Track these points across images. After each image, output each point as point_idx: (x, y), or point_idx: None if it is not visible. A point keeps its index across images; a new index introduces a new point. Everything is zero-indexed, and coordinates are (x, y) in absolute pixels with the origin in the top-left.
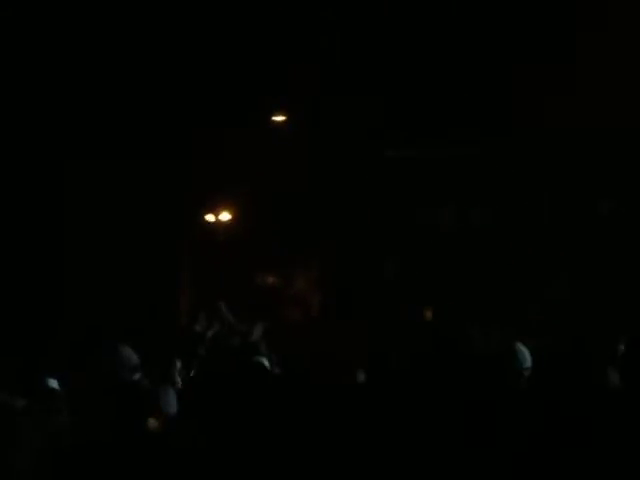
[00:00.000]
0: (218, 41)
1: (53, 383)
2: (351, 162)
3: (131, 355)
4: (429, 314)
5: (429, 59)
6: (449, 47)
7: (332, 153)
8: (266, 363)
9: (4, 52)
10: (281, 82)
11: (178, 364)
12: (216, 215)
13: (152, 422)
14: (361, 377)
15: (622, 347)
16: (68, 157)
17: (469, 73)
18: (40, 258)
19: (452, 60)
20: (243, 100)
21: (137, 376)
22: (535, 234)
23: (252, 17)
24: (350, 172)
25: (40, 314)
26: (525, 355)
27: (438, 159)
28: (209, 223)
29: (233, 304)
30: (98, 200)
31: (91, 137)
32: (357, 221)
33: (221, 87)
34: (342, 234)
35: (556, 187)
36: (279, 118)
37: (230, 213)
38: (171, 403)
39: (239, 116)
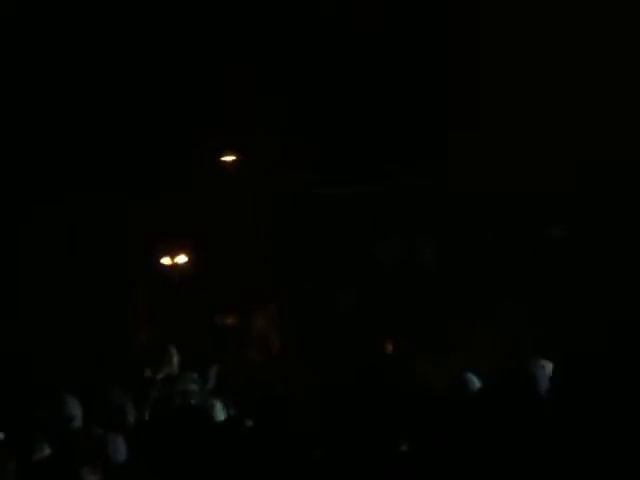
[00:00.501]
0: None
1: None
2: (285, 200)
3: (71, 405)
4: (390, 347)
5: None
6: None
7: (270, 191)
8: (219, 406)
9: None
10: (223, 121)
11: (130, 409)
12: (172, 258)
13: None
14: None
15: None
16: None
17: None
18: None
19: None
20: (190, 139)
21: (75, 425)
22: (481, 262)
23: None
24: (287, 210)
25: None
26: (474, 383)
27: (368, 194)
28: (165, 266)
29: (191, 346)
30: (51, 244)
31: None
32: (306, 258)
33: (171, 128)
34: (293, 272)
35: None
36: (227, 158)
37: (186, 255)
38: (120, 450)
39: (189, 156)
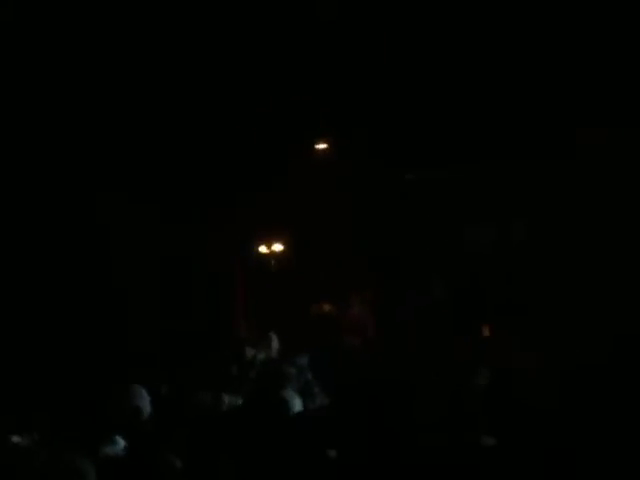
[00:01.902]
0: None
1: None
2: (382, 187)
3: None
4: (486, 330)
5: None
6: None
7: (372, 179)
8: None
9: None
10: (320, 114)
11: (225, 398)
12: (268, 246)
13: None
14: None
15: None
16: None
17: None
18: (90, 294)
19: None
20: (287, 132)
21: (144, 416)
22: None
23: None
24: (385, 197)
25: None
26: None
27: (462, 177)
28: (262, 254)
29: (289, 334)
30: (147, 232)
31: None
32: (400, 244)
33: (265, 117)
34: (388, 258)
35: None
36: (322, 146)
37: (282, 244)
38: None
39: (284, 146)
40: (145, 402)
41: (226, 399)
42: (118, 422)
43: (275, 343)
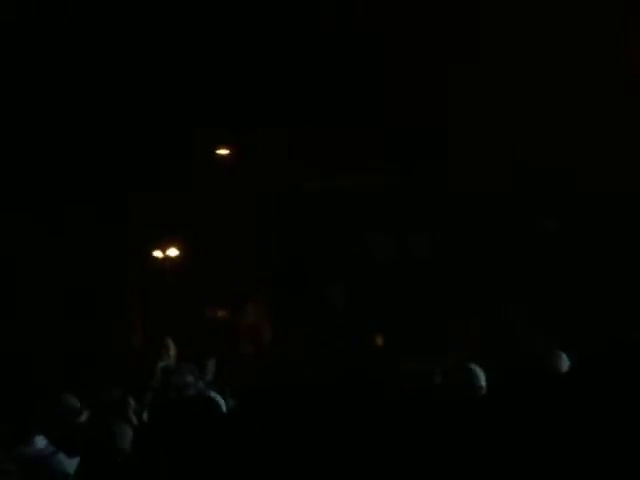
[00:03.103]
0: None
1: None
2: (281, 196)
3: (72, 401)
4: (380, 340)
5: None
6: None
7: (262, 186)
8: (218, 398)
9: None
10: (223, 116)
11: (131, 401)
12: (163, 251)
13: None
14: None
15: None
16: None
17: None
18: None
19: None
20: (186, 134)
21: (82, 418)
22: (479, 258)
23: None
24: (284, 205)
25: None
26: (478, 374)
27: (358, 189)
28: (157, 259)
29: (184, 339)
30: (44, 239)
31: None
32: (297, 251)
33: (165, 121)
34: (283, 265)
35: (496, 209)
36: (222, 151)
37: (177, 248)
38: (126, 440)
39: (184, 149)
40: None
41: (132, 402)
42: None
43: (172, 350)
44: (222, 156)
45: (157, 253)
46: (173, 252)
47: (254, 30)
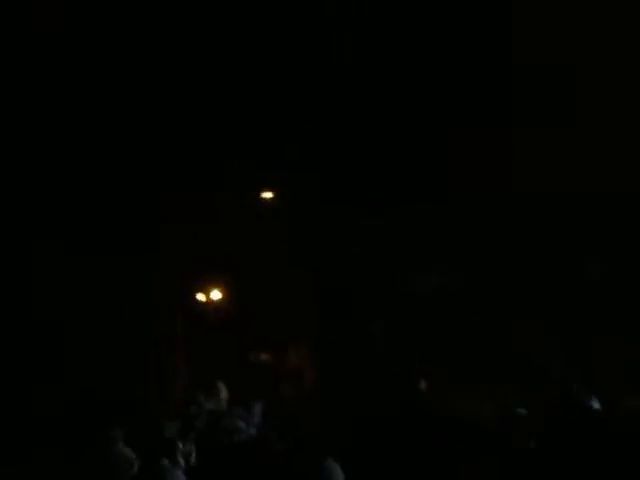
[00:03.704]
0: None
1: None
2: (327, 233)
3: (125, 451)
4: (423, 384)
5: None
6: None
7: (308, 226)
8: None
9: None
10: (264, 159)
11: (180, 445)
12: (207, 294)
13: None
14: None
15: None
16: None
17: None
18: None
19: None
20: (229, 180)
21: (133, 470)
22: (518, 296)
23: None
24: (328, 243)
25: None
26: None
27: (403, 225)
28: (200, 303)
29: (230, 383)
30: (85, 289)
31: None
32: (339, 291)
33: (207, 168)
34: (327, 305)
35: (536, 248)
36: (265, 195)
37: (220, 292)
38: None
39: (227, 194)
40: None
41: (180, 445)
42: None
43: (224, 393)
44: (265, 198)
45: (200, 296)
46: (216, 295)
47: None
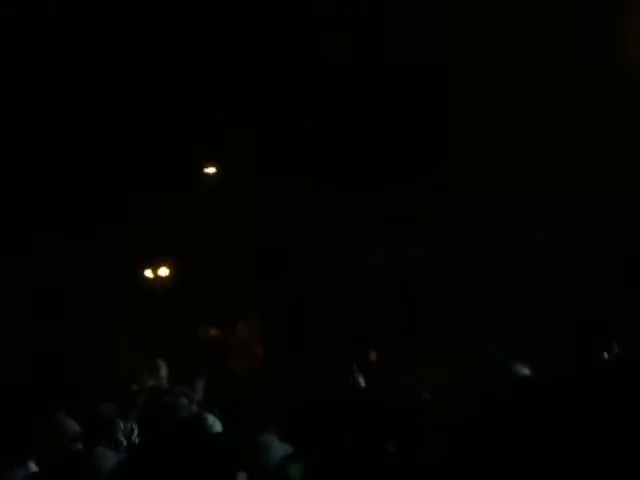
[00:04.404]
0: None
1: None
2: (273, 211)
3: (71, 425)
4: (374, 356)
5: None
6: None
7: (254, 203)
8: (211, 418)
9: None
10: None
11: (121, 424)
12: (154, 271)
13: None
14: None
15: None
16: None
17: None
18: None
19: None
20: (173, 150)
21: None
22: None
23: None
24: (274, 220)
25: None
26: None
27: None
28: (148, 279)
29: (176, 358)
30: (33, 262)
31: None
32: (292, 268)
33: (156, 149)
34: (280, 282)
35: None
36: (210, 170)
37: (167, 268)
38: (109, 464)
39: (174, 170)
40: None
41: (120, 424)
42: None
43: (163, 370)
44: (210, 174)
45: (148, 273)
46: (164, 272)
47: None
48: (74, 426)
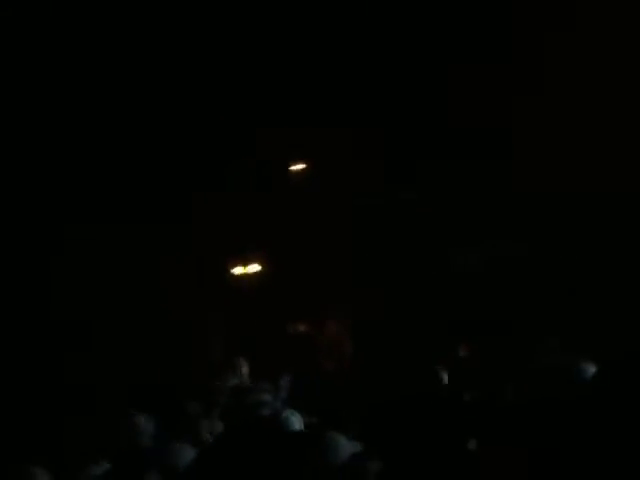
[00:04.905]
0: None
1: None
2: (366, 206)
3: (144, 421)
4: (464, 351)
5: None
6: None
7: (346, 199)
8: (294, 417)
9: None
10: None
11: (205, 423)
12: (244, 267)
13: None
14: None
15: None
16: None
17: None
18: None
19: None
20: (263, 147)
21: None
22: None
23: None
24: (368, 216)
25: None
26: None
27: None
28: (237, 276)
29: (263, 355)
30: (116, 259)
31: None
32: (381, 264)
33: (247, 143)
34: (372, 279)
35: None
36: (300, 165)
37: (257, 264)
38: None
39: (260, 167)
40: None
41: (205, 425)
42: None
43: (245, 368)
44: (299, 169)
45: (238, 269)
46: (254, 268)
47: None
48: (148, 423)
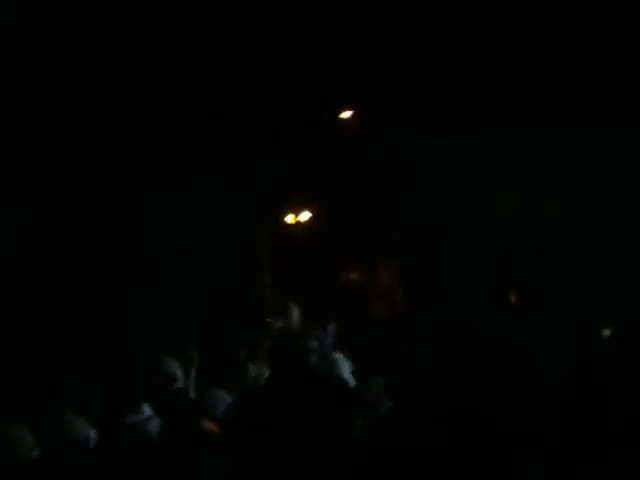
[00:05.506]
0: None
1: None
2: (410, 155)
3: (171, 367)
4: (514, 298)
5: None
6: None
7: (396, 147)
8: (342, 361)
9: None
10: (346, 82)
11: (250, 368)
12: (296, 215)
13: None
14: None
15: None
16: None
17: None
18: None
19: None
20: (312, 101)
21: (178, 384)
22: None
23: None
24: (413, 164)
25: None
26: None
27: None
28: (288, 224)
29: (314, 302)
30: (174, 206)
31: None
32: (430, 212)
33: (288, 89)
34: (417, 226)
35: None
36: (347, 115)
37: (309, 212)
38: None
39: (310, 116)
40: (178, 371)
41: (251, 369)
42: (149, 391)
43: (295, 313)
44: (346, 119)
45: (289, 218)
46: (305, 216)
47: None
48: (175, 368)
